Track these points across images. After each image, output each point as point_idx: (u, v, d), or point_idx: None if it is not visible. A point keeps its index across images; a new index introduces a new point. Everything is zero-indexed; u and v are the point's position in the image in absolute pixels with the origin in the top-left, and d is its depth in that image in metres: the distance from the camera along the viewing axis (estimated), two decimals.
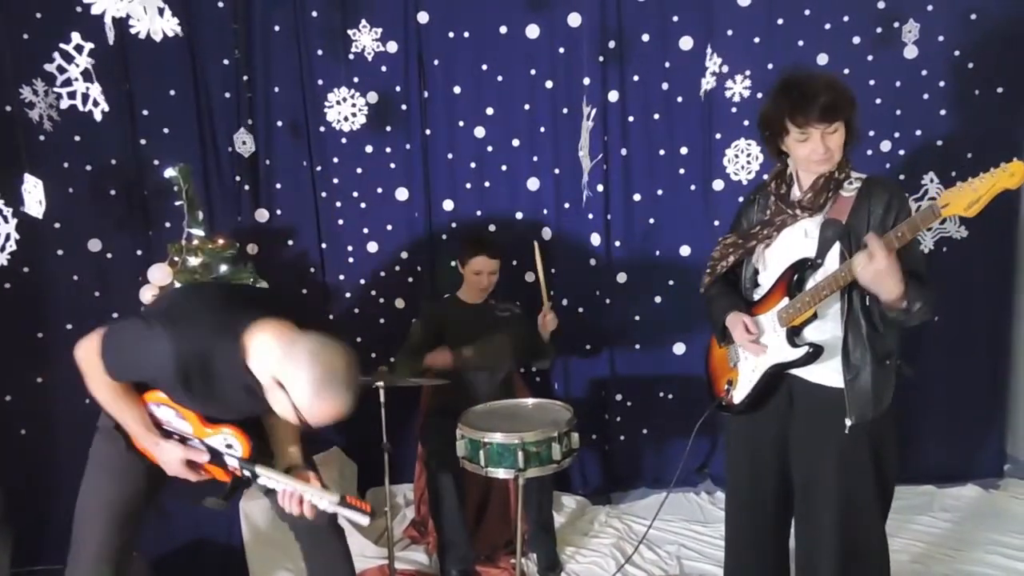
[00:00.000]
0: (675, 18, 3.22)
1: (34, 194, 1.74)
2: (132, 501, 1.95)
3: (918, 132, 3.25)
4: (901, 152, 3.28)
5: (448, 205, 3.43)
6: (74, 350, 1.81)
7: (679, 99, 3.29)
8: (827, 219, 1.95)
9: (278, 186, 3.33)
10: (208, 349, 1.67)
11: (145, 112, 3.13)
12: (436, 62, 3.30)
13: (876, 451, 1.97)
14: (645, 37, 3.25)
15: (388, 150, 3.36)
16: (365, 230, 3.42)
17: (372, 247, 3.43)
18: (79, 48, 1.64)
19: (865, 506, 1.99)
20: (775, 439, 2.10)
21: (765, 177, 2.13)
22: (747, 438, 2.16)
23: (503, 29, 3.26)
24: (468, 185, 3.41)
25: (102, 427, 1.97)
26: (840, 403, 1.94)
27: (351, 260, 3.44)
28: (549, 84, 3.31)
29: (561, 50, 3.28)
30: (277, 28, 3.20)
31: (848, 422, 1.92)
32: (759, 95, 3.19)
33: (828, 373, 1.98)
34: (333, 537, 2.17)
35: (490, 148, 3.38)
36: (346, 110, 2.97)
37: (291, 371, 1.60)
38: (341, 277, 3.44)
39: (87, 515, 1.95)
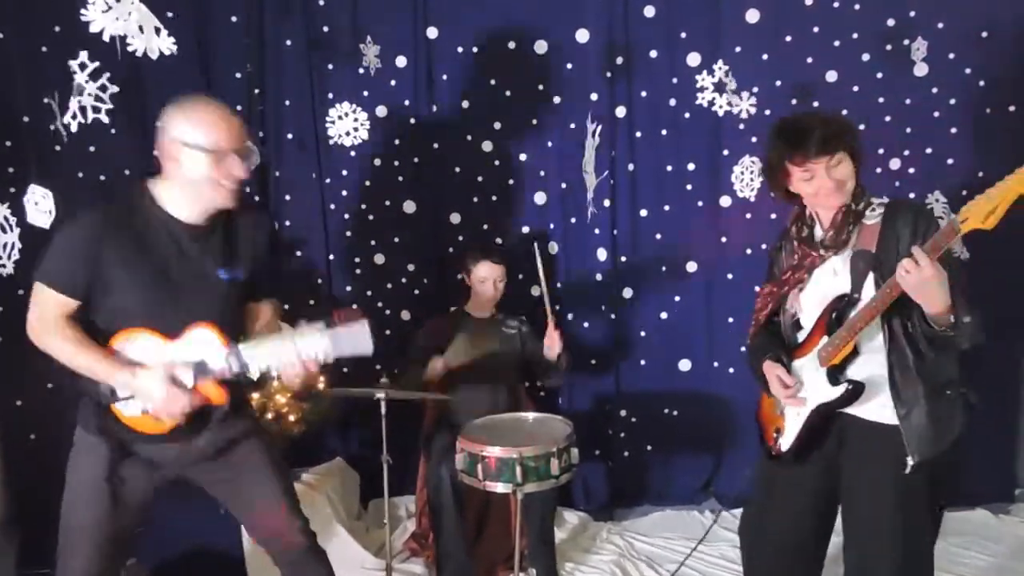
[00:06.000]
0: (683, 34, 3.23)
1: (42, 204, 1.79)
2: (111, 526, 1.90)
3: (928, 150, 3.22)
4: (911, 170, 3.25)
5: (455, 218, 3.45)
6: (27, 332, 1.87)
7: (686, 115, 3.29)
8: (856, 251, 1.91)
9: (287, 198, 3.38)
10: (121, 203, 1.87)
11: (159, 124, 3.18)
12: (444, 77, 3.33)
13: (933, 485, 1.89)
14: (653, 53, 3.26)
15: (396, 163, 3.40)
16: (372, 242, 3.45)
17: (379, 259, 3.46)
18: (83, 66, 1.69)
19: (922, 541, 1.92)
20: (819, 481, 2.02)
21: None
22: (790, 482, 2.08)
23: (511, 44, 3.29)
24: (475, 199, 3.43)
25: (79, 442, 1.92)
26: (895, 440, 1.85)
27: (358, 272, 3.47)
28: (557, 99, 3.33)
29: (569, 65, 3.30)
30: (288, 43, 3.25)
31: (910, 461, 1.83)
32: (767, 112, 3.20)
33: (879, 410, 1.90)
34: (314, 560, 2.10)
35: (497, 162, 3.40)
36: (347, 125, 3.00)
37: (177, 124, 1.83)
38: (348, 288, 3.47)
39: (69, 542, 1.91)
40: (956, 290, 1.73)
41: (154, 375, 1.77)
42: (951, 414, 1.86)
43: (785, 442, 2.06)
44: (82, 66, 1.73)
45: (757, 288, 2.19)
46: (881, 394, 1.90)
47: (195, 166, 1.82)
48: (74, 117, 1.89)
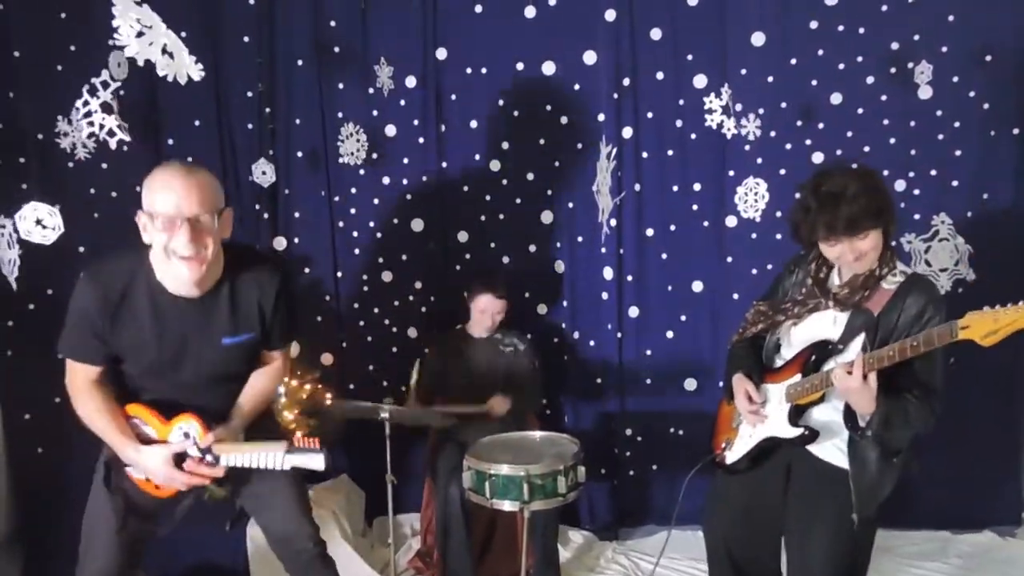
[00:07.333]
0: (689, 56, 3.26)
1: (48, 221, 1.82)
2: (129, 527, 1.97)
3: (933, 172, 3.24)
4: (916, 192, 3.26)
5: (463, 237, 3.48)
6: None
7: (693, 136, 3.31)
8: (859, 308, 1.95)
9: (296, 215, 3.40)
10: (121, 271, 1.85)
11: (171, 141, 3.23)
12: (453, 97, 3.37)
13: (857, 542, 1.99)
14: (659, 75, 3.29)
15: (405, 182, 3.42)
16: (380, 260, 3.47)
17: (387, 276, 3.48)
18: (105, 84, 1.73)
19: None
20: (771, 506, 2.12)
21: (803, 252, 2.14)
22: (744, 506, 2.18)
23: (519, 66, 3.32)
24: (483, 217, 3.46)
25: (99, 467, 2.02)
26: (838, 481, 1.95)
27: (366, 289, 3.48)
28: (564, 120, 3.36)
29: (576, 87, 3.33)
30: (300, 62, 3.29)
31: (855, 517, 1.92)
32: (772, 133, 3.23)
33: (831, 450, 2.00)
34: (324, 568, 2.17)
35: (505, 181, 3.42)
36: (356, 144, 3.04)
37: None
38: (355, 306, 3.49)
39: (90, 537, 1.99)
40: (891, 402, 1.82)
41: (157, 453, 1.86)
42: (890, 477, 1.95)
43: (731, 456, 2.19)
44: (104, 84, 1.77)
45: (754, 303, 2.23)
46: (836, 438, 1.98)
47: (147, 233, 1.79)
48: (90, 137, 1.92)
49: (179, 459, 1.87)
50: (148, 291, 1.84)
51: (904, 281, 1.93)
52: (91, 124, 1.89)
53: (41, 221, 1.86)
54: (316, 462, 1.79)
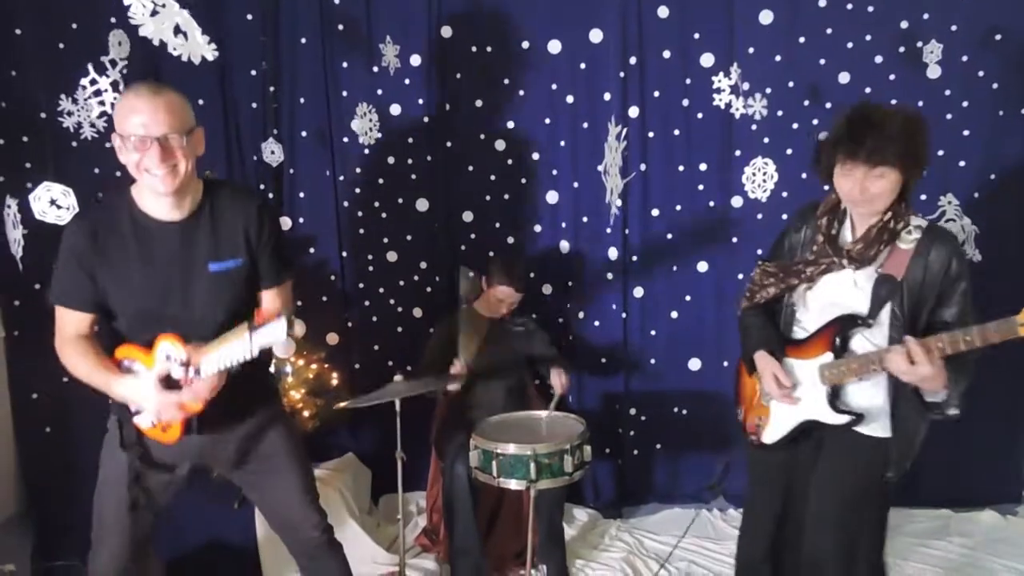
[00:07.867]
0: (696, 35, 3.23)
1: (62, 201, 1.81)
2: (137, 523, 1.97)
3: (940, 152, 3.22)
4: (923, 172, 3.25)
5: (468, 217, 3.47)
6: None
7: (699, 115, 3.30)
8: (881, 275, 1.88)
9: (301, 195, 3.40)
10: (104, 208, 1.87)
11: None
12: (458, 75, 3.34)
13: (868, 510, 1.99)
14: (666, 54, 3.26)
15: (410, 161, 3.41)
16: (385, 239, 3.47)
17: (392, 256, 3.48)
18: (113, 63, 1.72)
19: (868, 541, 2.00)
20: (807, 474, 2.08)
21: (818, 199, 2.06)
22: (783, 484, 2.15)
23: (525, 44, 3.30)
24: (488, 197, 3.45)
25: (108, 442, 2.02)
26: (875, 451, 1.92)
27: (371, 269, 3.49)
28: (570, 99, 3.34)
29: (582, 65, 3.30)
30: (304, 40, 3.26)
31: (890, 474, 1.91)
32: (779, 113, 3.21)
33: (874, 428, 1.96)
34: (330, 554, 2.17)
35: (510, 161, 3.41)
36: (361, 123, 3.02)
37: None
38: (360, 285, 3.49)
39: (100, 529, 2.00)
40: (955, 367, 1.77)
41: (146, 381, 1.81)
42: (924, 430, 1.93)
43: (768, 436, 2.11)
44: (112, 63, 1.76)
45: (759, 261, 2.17)
46: (882, 417, 1.94)
47: (121, 154, 1.81)
48: (100, 116, 1.91)
49: (168, 384, 1.81)
50: (131, 221, 1.85)
51: (922, 237, 1.85)
52: (102, 104, 1.87)
53: (56, 201, 1.85)
54: (278, 331, 1.66)
